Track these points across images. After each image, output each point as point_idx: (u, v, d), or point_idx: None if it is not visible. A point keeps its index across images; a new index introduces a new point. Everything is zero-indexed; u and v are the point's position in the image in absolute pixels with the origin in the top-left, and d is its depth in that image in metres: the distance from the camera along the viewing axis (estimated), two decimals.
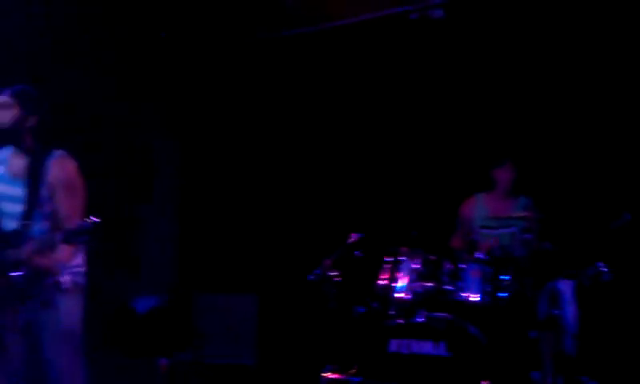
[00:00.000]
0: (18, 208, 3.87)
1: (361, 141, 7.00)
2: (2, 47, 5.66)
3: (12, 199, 3.91)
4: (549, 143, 6.23)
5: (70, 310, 3.91)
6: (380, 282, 5.17)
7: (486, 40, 6.48)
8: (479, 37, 6.51)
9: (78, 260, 4.00)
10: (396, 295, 5.05)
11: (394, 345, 4.75)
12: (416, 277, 5.11)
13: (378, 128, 6.95)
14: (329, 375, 5.00)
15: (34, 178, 3.87)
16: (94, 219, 3.51)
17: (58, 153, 3.97)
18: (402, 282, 5.09)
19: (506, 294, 5.10)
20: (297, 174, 7.25)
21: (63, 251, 3.69)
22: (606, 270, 5.15)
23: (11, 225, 3.89)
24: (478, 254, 5.26)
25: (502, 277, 5.14)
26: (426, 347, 4.70)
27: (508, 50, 6.41)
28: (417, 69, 6.78)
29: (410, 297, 5.04)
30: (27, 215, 3.84)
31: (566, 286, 5.29)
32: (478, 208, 5.95)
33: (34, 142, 3.94)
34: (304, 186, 7.19)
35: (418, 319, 4.88)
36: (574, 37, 6.12)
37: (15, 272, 3.68)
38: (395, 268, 5.18)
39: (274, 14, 7.02)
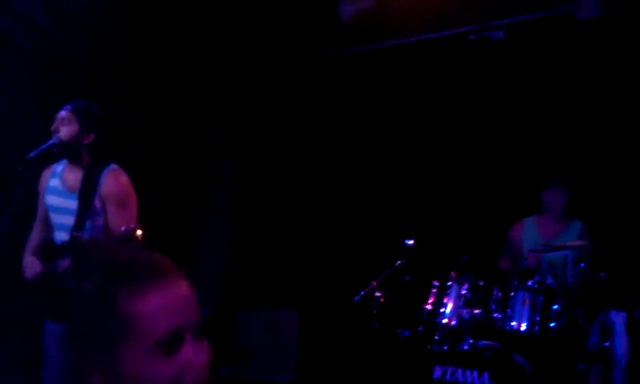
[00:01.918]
0: (69, 220, 3.94)
1: (411, 162, 6.92)
2: (68, 69, 5.80)
3: (65, 211, 3.99)
4: (604, 168, 6.09)
5: None
6: (426, 307, 5.12)
7: (544, 61, 6.38)
8: (537, 58, 6.42)
9: None
10: (442, 321, 5.01)
11: (438, 371, 4.69)
12: (463, 303, 5.04)
13: (429, 149, 6.87)
14: None
15: (86, 191, 3.93)
16: (135, 227, 3.57)
17: (112, 167, 4.04)
18: (448, 308, 5.05)
19: (556, 324, 5.01)
20: (345, 195, 7.20)
21: None
22: None
23: (63, 236, 3.96)
24: (529, 282, 5.17)
25: (552, 306, 5.05)
26: (471, 376, 4.64)
27: (565, 71, 6.30)
28: (470, 90, 6.69)
29: (456, 323, 4.99)
30: (78, 227, 3.90)
31: (618, 318, 5.17)
32: (528, 231, 5.83)
33: (89, 158, 4.01)
34: (352, 206, 7.13)
35: (464, 346, 4.83)
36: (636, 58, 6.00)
37: (63, 283, 3.75)
38: (442, 293, 5.13)
39: (329, 32, 7.02)
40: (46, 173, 4.17)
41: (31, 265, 4.01)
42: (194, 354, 1.32)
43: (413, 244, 5.31)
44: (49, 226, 4.11)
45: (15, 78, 5.41)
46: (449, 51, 6.74)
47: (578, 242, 5.39)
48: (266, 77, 7.49)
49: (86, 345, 1.32)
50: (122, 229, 3.61)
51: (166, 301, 1.33)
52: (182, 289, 1.37)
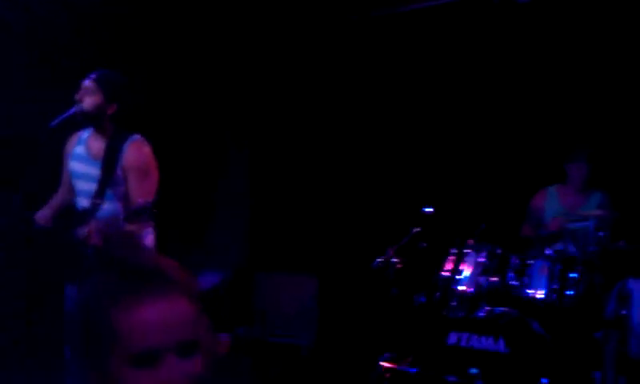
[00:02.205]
0: (92, 187, 4.01)
1: (431, 129, 6.88)
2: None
3: (88, 178, 4.06)
4: (628, 137, 6.04)
5: None
6: (443, 273, 5.15)
7: (569, 28, 6.30)
8: (561, 24, 6.33)
9: (147, 241, 4.13)
10: (459, 287, 5.03)
11: (454, 337, 4.73)
12: (481, 270, 5.06)
13: (450, 116, 6.80)
14: (386, 363, 5.03)
15: (109, 160, 3.99)
16: (153, 201, 3.61)
17: (135, 137, 4.08)
18: (466, 275, 5.08)
19: (574, 292, 5.04)
20: (365, 161, 7.17)
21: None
22: None
23: (84, 204, 4.04)
24: (547, 251, 5.19)
25: (570, 274, 5.07)
26: (486, 342, 4.67)
27: (591, 40, 6.21)
28: (494, 54, 6.60)
29: (473, 290, 5.02)
30: (99, 194, 3.96)
31: (636, 286, 5.16)
32: (550, 201, 5.83)
33: (113, 127, 4.05)
34: (371, 173, 7.12)
35: (480, 313, 4.87)
36: None
37: (83, 248, 3.81)
38: (460, 260, 5.15)
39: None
40: (73, 139, 4.24)
41: (43, 217, 4.14)
42: (176, 372, 1.34)
43: (431, 211, 5.34)
44: (72, 191, 4.20)
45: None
46: (473, 14, 6.64)
47: (598, 212, 5.39)
48: (283, 41, 7.43)
49: (81, 342, 1.37)
50: (140, 201, 3.67)
51: (159, 317, 1.34)
52: (178, 306, 1.38)
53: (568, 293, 5.03)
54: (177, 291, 1.40)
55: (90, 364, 1.36)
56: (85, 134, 4.18)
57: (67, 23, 5.57)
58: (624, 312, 5.05)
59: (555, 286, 5.02)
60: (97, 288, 1.37)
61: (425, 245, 5.31)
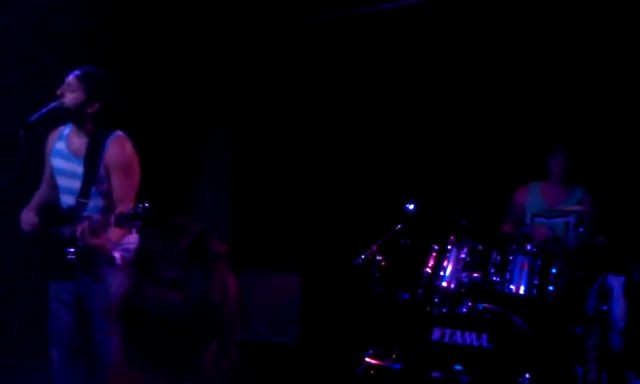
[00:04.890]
0: (74, 184, 3.96)
1: (412, 126, 6.88)
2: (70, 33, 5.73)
3: (69, 175, 4.01)
4: (608, 134, 6.08)
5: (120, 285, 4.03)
6: (426, 270, 5.18)
7: (548, 25, 6.33)
8: (541, 21, 6.36)
9: (132, 237, 4.09)
10: (441, 284, 5.07)
11: (437, 333, 4.76)
12: (462, 266, 5.10)
13: (431, 113, 6.82)
14: (370, 360, 5.04)
15: (91, 157, 3.94)
16: (147, 204, 3.54)
17: (117, 134, 4.02)
18: (448, 271, 5.11)
19: (555, 288, 5.07)
20: (346, 159, 7.16)
21: (116, 231, 3.77)
22: None
23: (67, 200, 4.00)
24: (528, 246, 5.22)
25: (551, 270, 5.11)
26: (469, 338, 4.70)
27: (569, 36, 6.26)
28: (472, 51, 6.62)
29: (455, 286, 5.05)
30: (83, 193, 3.92)
31: (616, 281, 5.21)
32: (533, 196, 5.86)
33: (93, 126, 3.99)
34: (354, 170, 7.10)
35: (463, 309, 4.90)
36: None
37: (69, 247, 3.77)
38: (442, 256, 5.18)
39: None
40: (53, 134, 4.17)
41: (28, 218, 4.04)
42: None
43: (414, 208, 5.36)
44: (55, 187, 4.14)
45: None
46: (450, 11, 6.67)
47: (578, 207, 5.41)
48: (261, 39, 7.38)
49: (202, 319, 1.52)
50: (132, 206, 3.59)
51: None
52: None
53: (549, 288, 5.06)
54: None
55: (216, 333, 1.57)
56: (66, 130, 4.12)
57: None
58: (604, 307, 5.09)
59: (536, 282, 5.05)
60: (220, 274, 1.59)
61: (407, 241, 5.35)
